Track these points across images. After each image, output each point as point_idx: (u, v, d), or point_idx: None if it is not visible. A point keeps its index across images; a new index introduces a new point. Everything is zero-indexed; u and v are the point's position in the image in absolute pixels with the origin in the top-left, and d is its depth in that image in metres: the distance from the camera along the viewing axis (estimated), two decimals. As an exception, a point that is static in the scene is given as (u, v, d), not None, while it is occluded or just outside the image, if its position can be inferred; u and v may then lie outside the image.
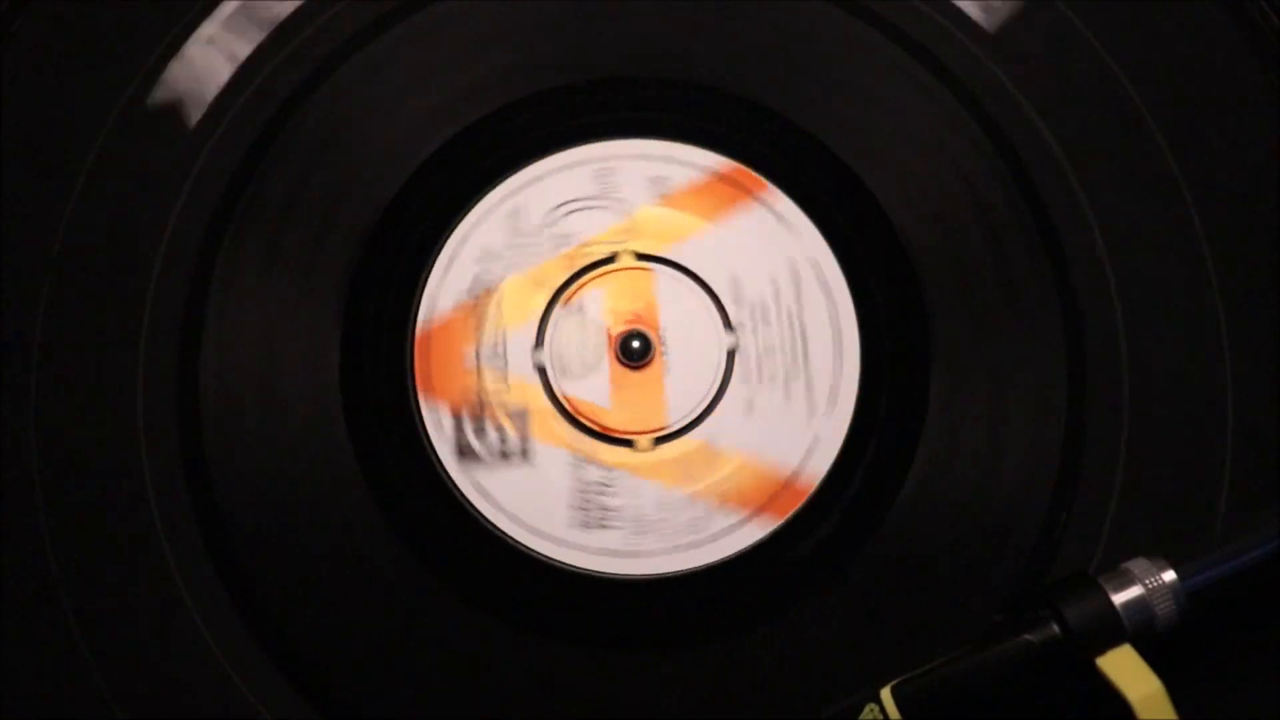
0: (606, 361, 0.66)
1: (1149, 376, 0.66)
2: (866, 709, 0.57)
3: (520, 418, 0.65)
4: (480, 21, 0.69)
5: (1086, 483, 0.65)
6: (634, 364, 0.65)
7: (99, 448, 0.64)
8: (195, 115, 0.67)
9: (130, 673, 0.63)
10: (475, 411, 0.65)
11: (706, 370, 0.66)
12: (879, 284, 0.66)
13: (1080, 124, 0.68)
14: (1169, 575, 0.58)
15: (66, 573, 0.63)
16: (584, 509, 0.64)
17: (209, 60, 0.67)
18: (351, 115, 0.68)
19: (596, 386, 0.65)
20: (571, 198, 0.67)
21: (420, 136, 0.68)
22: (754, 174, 0.67)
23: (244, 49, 0.67)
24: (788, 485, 0.64)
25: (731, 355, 0.66)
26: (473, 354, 0.65)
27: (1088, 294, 0.66)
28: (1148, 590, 0.58)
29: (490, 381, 0.65)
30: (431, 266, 0.66)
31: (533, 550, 0.64)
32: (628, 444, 0.65)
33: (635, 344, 0.65)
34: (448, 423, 0.65)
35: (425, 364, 0.65)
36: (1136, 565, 0.59)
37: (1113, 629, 0.57)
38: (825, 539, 0.64)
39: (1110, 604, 0.58)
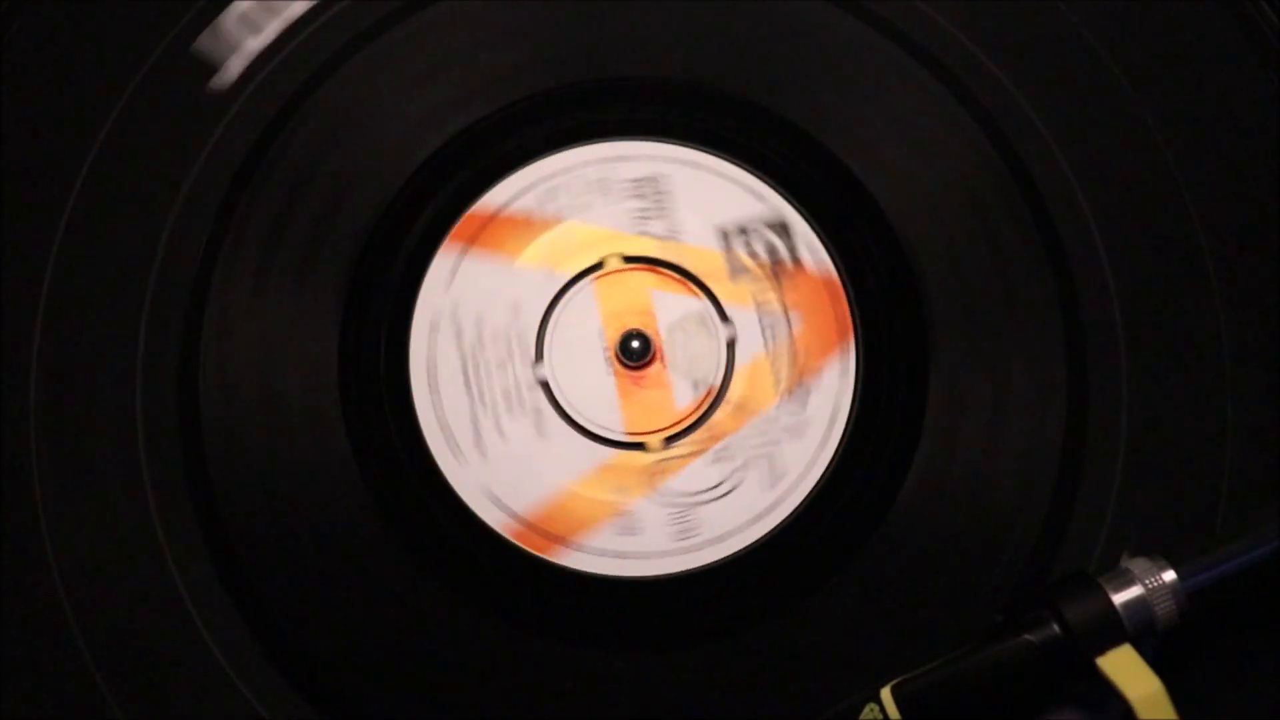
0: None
1: (1149, 376, 0.66)
2: (866, 709, 0.57)
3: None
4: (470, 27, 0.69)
5: (1086, 483, 0.65)
6: (636, 364, 0.65)
7: (99, 448, 0.64)
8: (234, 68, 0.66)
9: (130, 673, 0.63)
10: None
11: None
12: (878, 284, 0.66)
13: (1080, 124, 0.68)
14: (1169, 575, 0.58)
15: (66, 573, 0.63)
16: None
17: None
18: (351, 116, 0.68)
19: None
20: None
21: (421, 136, 0.68)
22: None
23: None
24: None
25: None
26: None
27: (1088, 294, 0.66)
28: (1148, 590, 0.58)
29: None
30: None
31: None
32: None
33: (635, 344, 0.65)
34: None
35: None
36: (1136, 565, 0.59)
37: (1113, 629, 0.57)
38: (825, 538, 0.64)
39: (1110, 604, 0.58)
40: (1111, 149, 0.67)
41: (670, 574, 0.64)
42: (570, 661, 0.63)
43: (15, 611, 0.63)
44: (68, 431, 0.64)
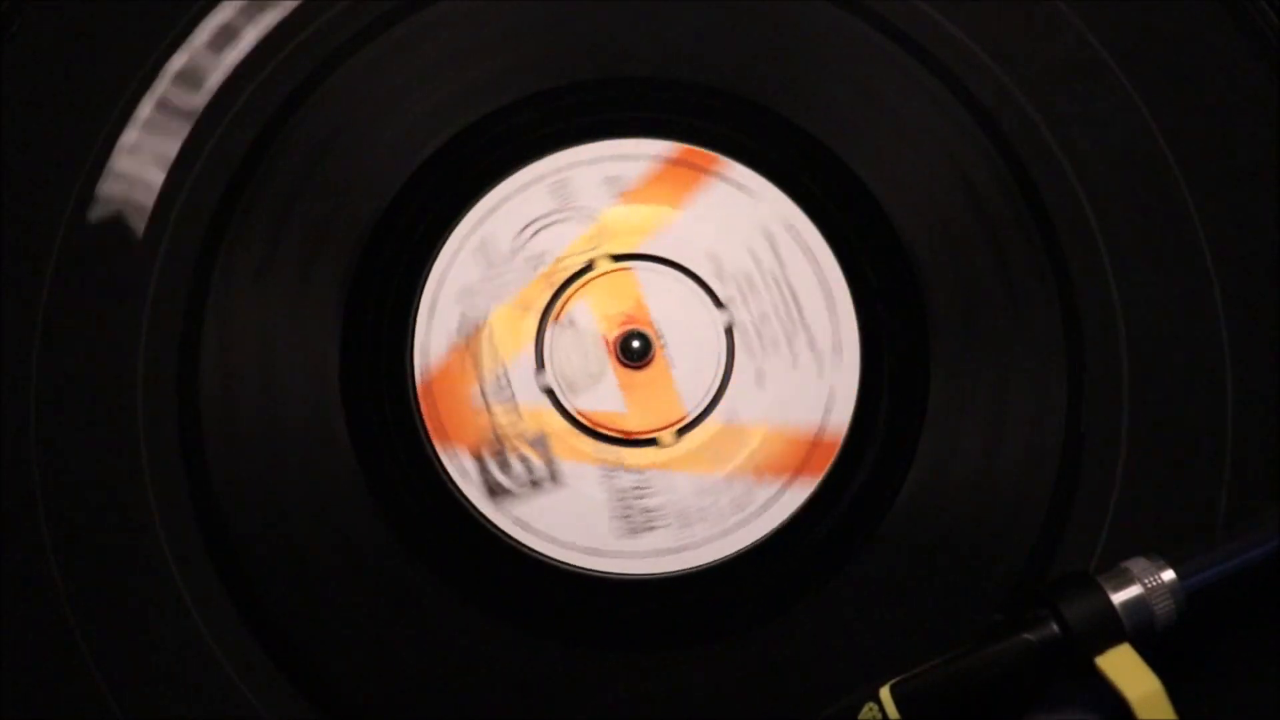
0: (610, 367, 0.66)
1: (1149, 377, 0.66)
2: (865, 708, 0.57)
3: (541, 443, 0.65)
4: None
5: (1086, 482, 0.65)
6: (637, 363, 0.65)
7: (99, 448, 0.64)
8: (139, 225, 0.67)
9: (130, 673, 0.63)
10: (495, 448, 0.65)
11: (709, 352, 0.66)
12: (879, 284, 0.66)
13: (1080, 124, 0.67)
14: (1169, 575, 0.58)
15: (66, 573, 0.64)
16: (626, 516, 0.64)
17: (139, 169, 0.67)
18: (351, 116, 0.68)
19: (607, 394, 0.65)
20: (534, 217, 0.67)
21: (421, 136, 0.68)
22: (703, 150, 0.67)
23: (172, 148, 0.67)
24: (817, 442, 0.64)
25: (730, 331, 0.66)
26: (478, 392, 0.65)
27: (1087, 294, 0.66)
28: (1147, 590, 0.58)
29: (502, 415, 0.65)
30: (416, 314, 0.65)
31: (590, 570, 0.64)
32: (652, 443, 0.65)
33: (635, 344, 0.65)
34: (471, 466, 0.64)
35: (434, 413, 0.65)
36: (1136, 565, 0.59)
37: (1112, 628, 0.57)
38: (825, 538, 0.64)
39: (1110, 603, 0.58)
40: (1111, 149, 0.67)
41: (669, 573, 0.64)
42: (571, 662, 0.63)
43: (16, 611, 0.63)
44: (68, 431, 0.65)
